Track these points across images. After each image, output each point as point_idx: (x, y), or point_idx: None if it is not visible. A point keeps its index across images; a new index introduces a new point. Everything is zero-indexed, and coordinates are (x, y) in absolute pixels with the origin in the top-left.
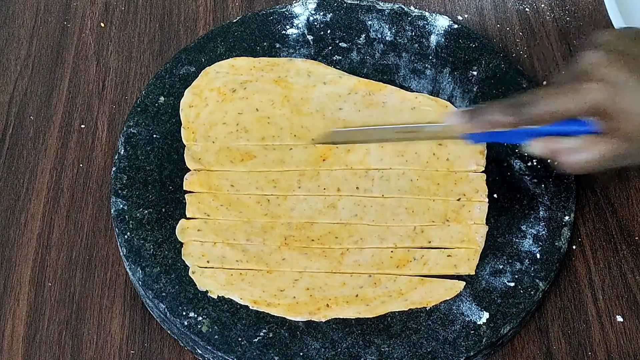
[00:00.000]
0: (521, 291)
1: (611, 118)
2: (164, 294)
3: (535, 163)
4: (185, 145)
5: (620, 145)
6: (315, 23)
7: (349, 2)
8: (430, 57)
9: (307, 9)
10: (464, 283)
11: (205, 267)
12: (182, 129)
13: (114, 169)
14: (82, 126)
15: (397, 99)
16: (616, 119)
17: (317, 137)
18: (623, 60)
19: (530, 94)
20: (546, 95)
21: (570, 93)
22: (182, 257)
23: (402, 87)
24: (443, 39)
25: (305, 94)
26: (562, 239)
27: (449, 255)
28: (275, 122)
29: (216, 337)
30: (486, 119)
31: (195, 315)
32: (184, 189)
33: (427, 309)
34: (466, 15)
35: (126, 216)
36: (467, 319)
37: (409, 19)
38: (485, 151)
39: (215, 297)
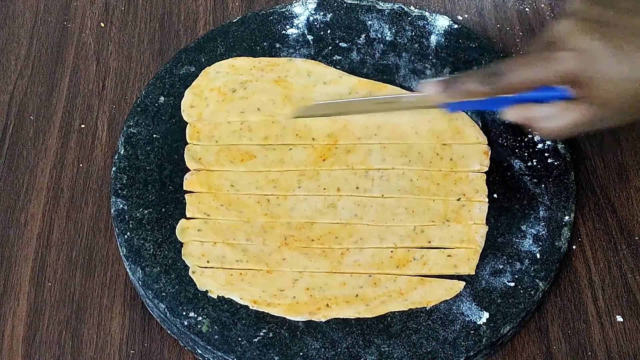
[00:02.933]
0: (521, 291)
1: (584, 86)
2: (164, 294)
3: (535, 163)
4: (185, 145)
5: (593, 110)
6: (315, 23)
7: (349, 2)
8: (430, 57)
9: (307, 9)
10: (464, 283)
11: (205, 267)
12: (187, 127)
13: (114, 168)
14: (82, 126)
15: None
16: (589, 86)
17: (296, 110)
18: (594, 28)
19: (504, 63)
20: (520, 64)
21: (543, 62)
22: (182, 257)
23: (402, 87)
24: (443, 39)
25: (306, 93)
26: (562, 239)
27: (449, 255)
28: (279, 121)
29: (216, 337)
30: (462, 88)
31: (195, 315)
32: (184, 189)
33: (427, 309)
34: (466, 15)
35: (126, 216)
36: (467, 319)
37: (409, 19)
38: (490, 152)
39: (215, 297)
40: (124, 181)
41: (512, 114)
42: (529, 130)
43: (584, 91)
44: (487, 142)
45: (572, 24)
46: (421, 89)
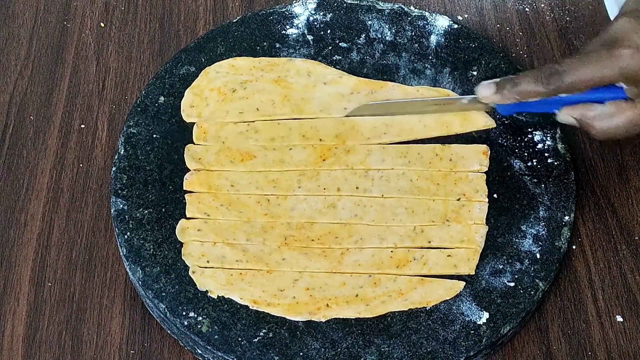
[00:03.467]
0: (521, 291)
1: None
2: (164, 294)
3: (535, 163)
4: (185, 145)
5: None
6: (315, 23)
7: (349, 2)
8: (430, 57)
9: (307, 8)
10: (464, 283)
11: (205, 267)
12: (194, 128)
13: (114, 169)
14: (82, 126)
15: (400, 93)
16: None
17: (350, 111)
18: None
19: (563, 62)
20: (579, 63)
21: (603, 60)
22: (182, 257)
23: None
24: (443, 39)
25: (306, 93)
26: (562, 239)
27: (449, 255)
28: (285, 122)
29: (216, 337)
30: (518, 90)
31: (195, 315)
32: (184, 188)
33: (427, 309)
34: (466, 15)
35: (126, 216)
36: (467, 319)
37: (409, 19)
38: (489, 152)
39: (215, 297)
40: (124, 181)
41: (567, 114)
42: (584, 130)
43: None
44: (495, 126)
45: (630, 22)
46: (476, 91)
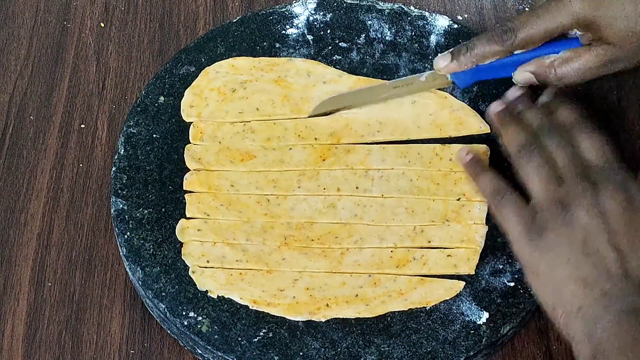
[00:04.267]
0: (521, 291)
1: (595, 28)
2: (163, 293)
3: None
4: (185, 145)
5: (608, 51)
6: (315, 23)
7: (349, 2)
8: (430, 57)
9: (307, 8)
10: (464, 283)
11: (205, 267)
12: (191, 127)
13: (114, 169)
14: (82, 126)
15: None
16: (600, 28)
17: (315, 109)
18: None
19: (514, 19)
20: (531, 17)
21: (554, 9)
22: (182, 257)
23: None
24: (443, 39)
25: (305, 93)
26: None
27: (448, 255)
28: (281, 122)
29: (216, 337)
30: (474, 53)
31: (195, 315)
32: (184, 188)
33: (427, 308)
34: (466, 15)
35: (126, 216)
36: (467, 318)
37: (409, 18)
38: (489, 152)
39: (215, 297)
40: (124, 181)
41: (523, 70)
42: (541, 81)
43: (596, 34)
44: (489, 131)
45: None
46: (433, 64)
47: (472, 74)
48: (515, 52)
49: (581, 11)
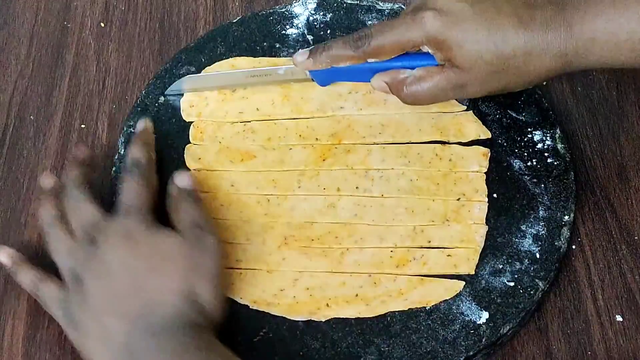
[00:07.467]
0: (521, 291)
1: (447, 49)
2: None
3: (535, 163)
4: (185, 145)
5: (456, 74)
6: (315, 23)
7: (349, 2)
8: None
9: (307, 9)
10: (464, 283)
11: None
12: (191, 127)
13: (114, 169)
14: (82, 126)
15: None
16: (451, 48)
17: (170, 88)
18: None
19: (372, 27)
20: (386, 27)
21: (408, 23)
22: None
23: None
24: None
25: (305, 93)
26: (562, 239)
27: (448, 255)
28: (281, 122)
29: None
30: (329, 54)
31: None
32: None
33: (427, 308)
34: None
35: None
36: (466, 318)
37: None
38: (489, 154)
39: None
40: None
41: (378, 78)
42: (394, 94)
43: (446, 54)
44: (489, 137)
45: None
46: (292, 60)
47: (331, 75)
48: (369, 60)
49: (432, 29)
